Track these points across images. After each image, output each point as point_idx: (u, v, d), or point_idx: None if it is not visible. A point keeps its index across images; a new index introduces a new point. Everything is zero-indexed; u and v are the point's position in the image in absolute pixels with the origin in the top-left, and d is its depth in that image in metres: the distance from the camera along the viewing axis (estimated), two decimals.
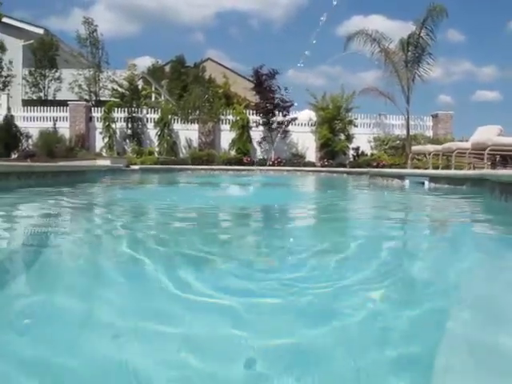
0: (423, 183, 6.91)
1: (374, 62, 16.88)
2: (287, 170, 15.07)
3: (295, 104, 18.30)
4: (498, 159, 11.43)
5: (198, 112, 17.85)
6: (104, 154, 17.21)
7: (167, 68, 26.32)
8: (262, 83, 17.63)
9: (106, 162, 11.82)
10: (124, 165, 12.37)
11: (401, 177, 7.97)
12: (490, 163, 12.33)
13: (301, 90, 17.53)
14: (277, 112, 17.98)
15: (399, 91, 16.92)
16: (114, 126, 18.24)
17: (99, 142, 18.31)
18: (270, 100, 17.72)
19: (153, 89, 21.23)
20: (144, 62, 25.48)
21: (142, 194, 6.57)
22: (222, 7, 45.31)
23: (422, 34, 16.30)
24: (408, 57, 16.68)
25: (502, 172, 5.10)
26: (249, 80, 24.60)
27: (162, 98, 21.50)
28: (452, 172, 7.98)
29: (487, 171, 6.33)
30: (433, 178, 6.84)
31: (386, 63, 16.74)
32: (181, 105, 17.99)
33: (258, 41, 40.23)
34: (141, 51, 30.84)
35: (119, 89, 19.03)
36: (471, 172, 7.50)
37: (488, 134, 11.60)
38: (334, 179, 11.64)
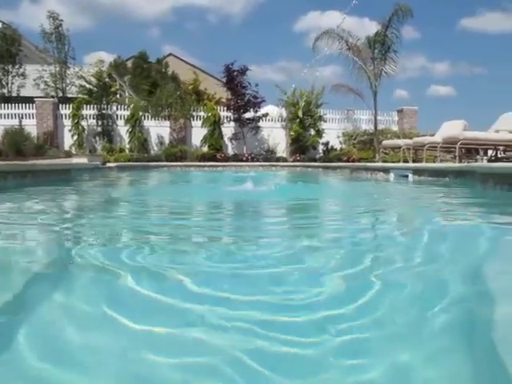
0: (407, 176, 7.26)
1: (336, 58, 17.36)
2: (262, 166, 15.28)
3: (264, 100, 18.55)
4: (463, 152, 12.01)
5: (169, 109, 17.77)
6: (74, 152, 16.89)
7: (129, 64, 26.06)
8: (234, 79, 17.74)
9: (83, 160, 11.67)
10: (100, 162, 12.23)
11: (385, 170, 8.32)
12: (454, 156, 13.01)
13: (263, 86, 17.81)
14: (248, 108, 18.13)
15: (366, 87, 17.47)
16: (83, 123, 17.91)
17: (68, 139, 17.94)
18: (241, 96, 17.86)
19: (117, 85, 20.95)
20: (99, 58, 25.00)
21: (166, 192, 6.54)
22: (178, 2, 44.77)
23: (387, 33, 16.83)
24: (375, 54, 17.19)
25: (489, 165, 5.47)
26: (211, 75, 24.69)
27: (126, 94, 21.28)
28: (436, 165, 8.39)
29: (474, 164, 6.73)
30: (416, 171, 7.20)
31: (354, 60, 17.19)
32: (152, 101, 17.86)
33: (216, 36, 40.16)
34: (95, 46, 30.09)
35: (87, 85, 18.70)
36: (456, 165, 7.92)
37: (454, 128, 12.22)
38: (318, 174, 11.91)
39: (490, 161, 11.33)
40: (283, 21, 40.69)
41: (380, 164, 11.27)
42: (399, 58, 17.58)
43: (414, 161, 12.31)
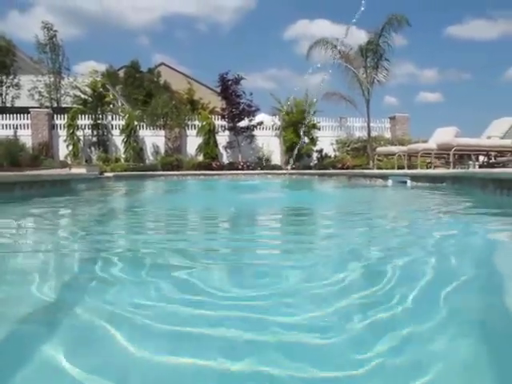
0: (405, 182, 7.41)
1: (326, 66, 17.62)
2: (258, 174, 15.40)
3: (259, 109, 18.74)
4: (456, 157, 12.20)
5: (164, 118, 17.87)
6: (69, 162, 16.91)
7: (120, 73, 26.11)
8: (228, 88, 17.90)
9: (82, 170, 11.71)
10: (98, 172, 12.29)
11: (383, 177, 8.48)
12: (444, 162, 13.23)
13: (253, 94, 17.86)
14: (242, 117, 18.27)
15: (358, 95, 17.72)
16: (78, 133, 17.96)
17: (63, 149, 17.97)
18: (235, 105, 18.01)
19: (110, 95, 21.01)
20: (93, 68, 24.98)
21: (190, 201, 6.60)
22: (167, 11, 44.92)
23: (379, 42, 17.11)
24: (367, 62, 17.45)
25: (489, 171, 5.62)
26: (202, 84, 24.82)
27: (119, 103, 21.35)
28: (435, 171, 8.56)
29: (473, 170, 6.89)
30: (414, 178, 7.37)
31: (347, 68, 17.43)
32: (148, 111, 17.95)
33: (205, 44, 40.35)
34: (84, 56, 29.76)
35: (82, 95, 18.76)
36: (454, 171, 8.08)
37: (447, 135, 12.45)
38: (318, 181, 12.05)
39: (481, 166, 11.55)
40: (272, 29, 41.08)
41: (378, 171, 11.43)
42: (391, 66, 17.89)
43: (408, 167, 12.50)
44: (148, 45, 38.52)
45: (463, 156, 12.31)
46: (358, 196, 6.84)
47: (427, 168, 12.73)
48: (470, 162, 12.57)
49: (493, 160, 11.58)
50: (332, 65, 17.07)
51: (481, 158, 12.39)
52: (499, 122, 11.90)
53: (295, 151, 15.78)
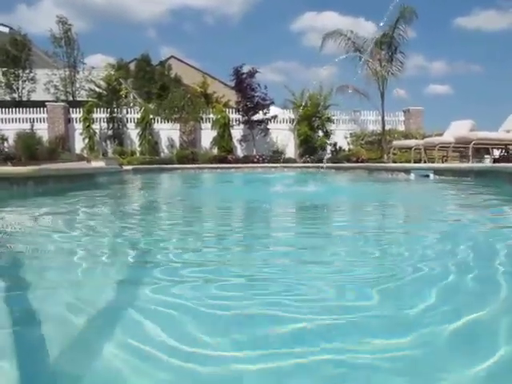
0: (428, 176, 7.47)
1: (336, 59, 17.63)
2: (274, 167, 15.47)
3: (274, 102, 18.78)
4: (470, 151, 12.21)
5: (180, 112, 17.98)
6: (85, 155, 17.10)
7: (131, 66, 26.18)
8: (243, 82, 17.95)
9: (101, 164, 11.85)
10: (117, 165, 12.42)
11: (406, 171, 8.54)
12: (459, 155, 13.23)
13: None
14: (257, 110, 18.33)
15: (372, 88, 17.68)
16: (94, 126, 18.13)
17: (79, 143, 18.16)
18: (250, 98, 18.07)
19: (123, 88, 21.11)
20: (96, 60, 25.04)
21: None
22: (175, 3, 44.80)
23: (394, 34, 17.06)
24: (382, 55, 17.41)
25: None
26: (212, 77, 24.84)
27: (131, 96, 21.46)
28: (459, 165, 8.60)
29: (498, 164, 6.92)
30: (437, 171, 7.42)
31: (361, 61, 17.40)
32: (164, 104, 18.06)
33: (213, 37, 40.29)
34: (92, 49, 29.55)
35: (97, 89, 18.90)
36: (480, 165, 8.12)
37: (463, 128, 12.45)
38: (341, 174, 12.07)
39: (496, 160, 11.55)
40: (280, 21, 40.98)
41: (401, 164, 11.47)
42: (405, 58, 17.84)
43: (424, 161, 12.51)
44: (155, 38, 38.57)
45: (479, 150, 12.30)
46: (395, 190, 6.86)
47: (442, 161, 12.75)
48: (487, 156, 12.59)
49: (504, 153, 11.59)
50: (346, 58, 17.05)
51: (495, 152, 12.39)
52: None
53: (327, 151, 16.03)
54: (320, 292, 1.47)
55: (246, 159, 17.47)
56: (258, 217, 3.74)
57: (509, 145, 11.20)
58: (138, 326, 1.17)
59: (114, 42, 38.44)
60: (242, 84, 18.03)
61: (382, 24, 16.33)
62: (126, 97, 19.78)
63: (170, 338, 1.07)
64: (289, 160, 17.85)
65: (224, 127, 18.29)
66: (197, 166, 15.63)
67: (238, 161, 17.18)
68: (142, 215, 3.85)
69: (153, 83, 22.47)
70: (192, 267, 1.80)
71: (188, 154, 17.00)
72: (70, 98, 19.94)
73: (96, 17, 38.95)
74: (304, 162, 17.39)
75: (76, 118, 18.48)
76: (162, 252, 2.16)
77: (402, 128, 19.60)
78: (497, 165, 7.06)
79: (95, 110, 18.33)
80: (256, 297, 1.42)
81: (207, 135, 18.76)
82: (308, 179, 8.32)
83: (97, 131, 18.28)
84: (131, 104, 19.55)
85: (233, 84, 18.58)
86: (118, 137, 18.36)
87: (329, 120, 18.87)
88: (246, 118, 18.36)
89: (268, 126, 18.82)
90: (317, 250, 2.22)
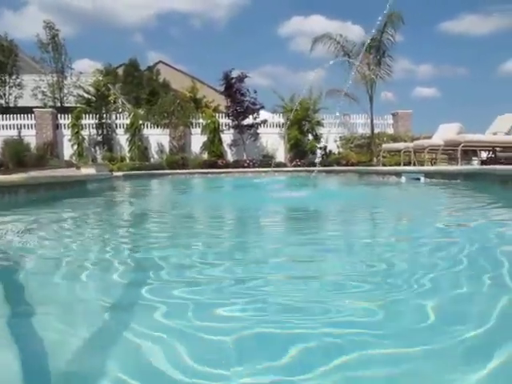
0: (418, 179, 7.54)
1: (325, 63, 17.73)
2: (264, 172, 15.50)
3: (264, 106, 18.82)
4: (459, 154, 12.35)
5: (170, 117, 17.95)
6: (74, 162, 16.98)
7: (119, 71, 26.04)
8: (232, 86, 17.97)
9: (91, 170, 11.77)
10: (107, 172, 12.36)
11: (397, 174, 8.61)
12: (448, 157, 13.38)
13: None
14: (247, 115, 18.35)
15: (362, 91, 17.80)
16: (83, 132, 18.02)
17: (68, 149, 18.02)
18: (240, 103, 18.09)
19: (111, 94, 21.01)
20: (83, 65, 24.82)
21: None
22: (161, 8, 44.55)
23: (382, 38, 17.21)
24: (370, 59, 17.55)
25: (506, 167, 5.74)
26: (201, 82, 24.84)
27: (120, 102, 21.38)
28: (449, 168, 8.68)
29: (488, 167, 7.00)
30: (427, 174, 7.49)
31: (350, 65, 17.52)
32: (154, 110, 18.03)
33: (200, 41, 40.23)
34: (79, 54, 29.05)
35: (85, 95, 18.81)
36: (469, 167, 8.21)
37: (451, 131, 12.60)
38: (333, 178, 12.15)
39: (484, 162, 11.69)
40: (267, 25, 41.13)
41: (393, 167, 11.55)
42: (393, 62, 18.00)
43: (414, 163, 12.62)
44: (142, 42, 38.38)
45: (467, 152, 12.44)
46: (389, 193, 6.91)
47: (431, 164, 12.88)
48: (475, 158, 12.74)
49: (500, 154, 11.73)
50: (335, 61, 17.16)
51: (483, 154, 12.54)
52: (503, 118, 12.02)
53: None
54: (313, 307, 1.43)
55: (237, 164, 17.48)
56: (250, 228, 3.63)
57: (496, 147, 11.34)
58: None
59: (101, 46, 38.18)
60: (232, 89, 18.05)
61: (373, 31, 16.48)
62: (114, 102, 19.70)
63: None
64: (279, 164, 17.89)
65: (214, 132, 18.29)
66: (187, 171, 15.60)
67: (228, 165, 17.18)
68: (135, 225, 3.79)
69: (141, 88, 22.43)
70: (178, 284, 1.70)
71: (178, 160, 16.96)
72: (58, 104, 19.80)
73: (82, 21, 38.62)
74: (294, 166, 17.44)
75: (64, 124, 18.35)
76: (146, 266, 2.08)
77: (390, 131, 19.73)
78: (485, 167, 7.16)
79: (84, 115, 18.23)
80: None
81: (197, 140, 18.74)
82: (300, 184, 8.36)
83: (86, 137, 18.16)
84: (120, 110, 19.49)
85: (222, 89, 18.60)
86: (108, 143, 18.27)
87: (318, 124, 18.96)
88: (236, 122, 18.38)
89: (258, 131, 18.86)
90: (310, 262, 2.14)
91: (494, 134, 11.40)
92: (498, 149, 11.51)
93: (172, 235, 3.12)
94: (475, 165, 11.56)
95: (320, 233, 3.17)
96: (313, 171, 13.07)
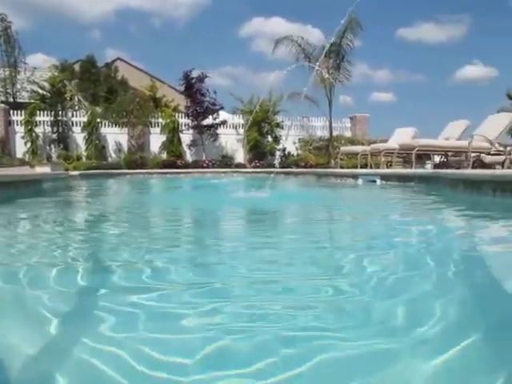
0: (375, 181, 7.76)
1: (286, 64, 17.91)
2: (224, 172, 15.51)
3: (223, 107, 18.83)
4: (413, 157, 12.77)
5: (128, 116, 17.65)
6: (27, 160, 16.43)
7: (75, 67, 25.32)
8: (192, 86, 17.88)
9: (46, 169, 11.45)
10: (63, 171, 12.04)
11: (354, 176, 8.82)
12: (403, 161, 13.81)
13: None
14: (206, 115, 18.30)
15: (321, 94, 18.10)
16: (37, 130, 17.45)
17: (21, 147, 17.39)
18: (200, 103, 18.02)
19: (68, 91, 20.44)
20: (37, 60, 23.95)
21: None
22: (120, 4, 43.45)
23: (342, 43, 17.54)
24: (330, 63, 17.87)
25: (457, 171, 6.00)
26: (161, 81, 24.55)
27: (76, 99, 20.85)
28: (405, 171, 8.95)
29: (441, 170, 7.27)
30: (383, 177, 7.72)
31: (310, 68, 17.76)
32: (112, 108, 17.67)
33: (159, 40, 39.62)
34: (32, 48, 27.80)
35: (40, 91, 18.24)
36: (423, 170, 8.50)
37: (406, 135, 13.03)
38: (289, 180, 12.26)
39: (437, 166, 12.15)
40: (228, 26, 40.96)
41: (350, 170, 11.80)
42: (351, 67, 18.38)
43: (370, 166, 12.95)
44: (100, 39, 37.33)
45: (421, 156, 12.89)
46: (345, 195, 7.05)
47: (387, 167, 13.26)
48: (428, 162, 13.21)
49: (451, 159, 12.22)
50: (296, 65, 17.35)
51: (436, 158, 13.03)
52: (455, 124, 12.52)
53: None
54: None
55: (196, 164, 17.40)
56: (207, 230, 3.55)
57: (448, 151, 11.81)
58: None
59: (56, 41, 36.79)
60: (192, 89, 17.96)
61: (333, 36, 16.75)
62: (71, 99, 19.19)
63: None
64: (238, 165, 17.95)
65: (173, 132, 18.14)
66: (146, 171, 15.41)
67: (187, 166, 17.07)
68: (89, 227, 3.70)
69: (98, 85, 21.92)
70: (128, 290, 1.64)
71: (137, 159, 16.72)
72: (11, 100, 19.09)
73: (35, 14, 37.06)
74: (254, 167, 17.53)
75: (17, 121, 17.72)
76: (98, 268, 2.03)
77: (348, 134, 20.15)
78: (438, 171, 7.44)
79: (38, 112, 17.66)
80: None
81: (156, 140, 18.52)
82: (259, 185, 8.42)
83: (40, 135, 17.60)
84: (76, 107, 19.01)
85: (182, 88, 18.47)
86: (63, 141, 17.77)
87: (278, 126, 19.13)
88: (196, 122, 18.29)
89: (217, 131, 18.84)
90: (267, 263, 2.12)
91: (447, 139, 11.85)
92: (449, 153, 12.00)
93: (126, 238, 3.01)
94: (428, 168, 11.97)
95: (277, 235, 3.19)
96: (272, 172, 13.17)
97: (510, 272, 1.87)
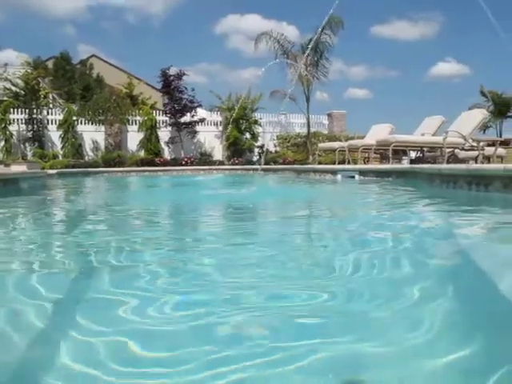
0: (353, 177, 7.89)
1: (262, 61, 17.95)
2: (203, 170, 15.50)
3: (201, 104, 18.81)
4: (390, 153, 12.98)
5: (105, 113, 17.46)
6: (1, 159, 16.10)
7: (49, 64, 24.83)
8: (170, 84, 17.79)
9: (22, 168, 11.26)
10: (39, 169, 11.87)
11: (333, 172, 8.94)
12: (380, 157, 14.03)
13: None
14: (185, 112, 18.23)
15: (299, 91, 18.20)
16: (11, 128, 17.11)
17: None
18: (178, 101, 17.96)
19: (41, 88, 20.08)
20: (8, 55, 23.34)
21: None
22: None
23: (320, 41, 17.65)
24: (308, 60, 17.97)
25: (431, 166, 6.15)
26: (137, 78, 24.33)
27: (51, 97, 20.50)
28: (383, 166, 9.11)
29: (416, 166, 7.44)
30: (362, 172, 7.87)
31: (288, 65, 17.87)
32: (89, 106, 17.45)
33: (134, 37, 39.12)
34: (3, 43, 26.68)
35: (13, 88, 17.89)
36: (400, 166, 8.66)
37: (383, 131, 13.23)
38: (271, 177, 12.29)
39: (413, 161, 12.39)
40: (203, 22, 40.71)
41: (329, 166, 11.94)
42: (330, 64, 18.52)
43: (348, 162, 13.12)
44: (73, 35, 36.51)
45: (398, 151, 13.11)
46: (328, 190, 7.12)
47: (364, 162, 13.46)
48: (404, 157, 13.45)
49: (426, 154, 12.46)
50: (274, 62, 17.41)
51: (412, 154, 13.27)
52: (430, 120, 12.76)
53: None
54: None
55: (175, 162, 17.33)
56: (187, 227, 3.51)
57: (423, 147, 12.04)
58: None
59: (28, 37, 35.86)
60: (170, 86, 17.87)
61: (314, 33, 16.79)
62: (45, 97, 18.86)
63: None
64: (217, 162, 17.95)
65: (151, 129, 18.02)
66: (124, 169, 15.29)
67: (166, 163, 16.99)
68: (69, 225, 3.67)
69: (73, 83, 21.60)
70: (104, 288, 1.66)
71: (114, 157, 16.56)
72: None
73: (3, 7, 35.94)
74: (232, 164, 17.56)
75: None
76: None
77: (325, 131, 20.35)
78: (415, 166, 7.63)
79: (12, 110, 17.33)
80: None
81: (134, 137, 18.37)
82: (240, 181, 8.48)
83: (14, 133, 17.27)
84: (51, 105, 18.70)
85: (160, 86, 18.37)
86: (38, 139, 17.48)
87: (256, 123, 19.19)
88: (174, 120, 18.22)
89: (196, 129, 18.80)
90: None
91: (422, 134, 12.06)
92: (425, 149, 12.24)
93: (104, 236, 3.00)
94: (405, 163, 12.19)
95: (258, 232, 3.22)
96: (251, 169, 13.26)
97: (481, 258, 1.97)
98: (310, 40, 17.37)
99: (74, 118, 17.53)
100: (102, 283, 1.69)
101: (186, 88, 18.07)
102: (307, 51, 15.43)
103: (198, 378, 0.95)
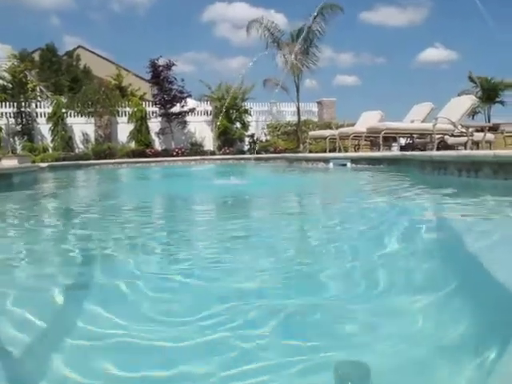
0: (345, 164, 7.97)
1: (253, 49, 17.85)
2: (194, 160, 15.51)
3: (191, 95, 18.74)
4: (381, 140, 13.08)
5: (94, 105, 17.35)
6: None
7: (35, 56, 24.47)
8: (160, 74, 17.70)
9: (13, 162, 11.18)
10: (30, 163, 11.81)
11: (325, 160, 9.01)
12: (370, 144, 14.12)
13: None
14: (174, 103, 18.17)
15: (289, 80, 18.17)
16: None
17: None
18: (167, 91, 17.88)
19: (29, 81, 19.86)
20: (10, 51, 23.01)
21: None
22: None
23: (312, 28, 17.57)
24: (298, 48, 17.91)
25: (422, 153, 6.25)
26: (125, 69, 24.14)
27: (38, 89, 20.30)
28: (374, 154, 9.18)
29: (408, 153, 7.53)
30: (353, 160, 7.95)
31: (279, 53, 17.80)
32: (78, 98, 17.32)
33: (120, 26, 38.45)
34: None
35: (0, 81, 17.70)
36: (392, 153, 8.75)
37: (372, 118, 13.29)
38: (263, 166, 12.35)
39: (403, 148, 12.49)
40: (190, 11, 40.09)
41: (321, 154, 12.00)
42: (320, 52, 18.46)
43: (339, 150, 13.19)
44: (59, 26, 35.86)
45: (388, 138, 13.19)
46: (326, 178, 7.19)
47: (355, 150, 13.54)
48: (394, 144, 13.54)
49: (416, 141, 12.56)
50: (267, 51, 17.34)
51: (402, 141, 13.37)
52: (420, 107, 12.85)
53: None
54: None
55: (166, 152, 17.31)
56: (183, 218, 3.65)
57: (413, 134, 12.14)
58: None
59: (11, 28, 35.13)
60: (159, 77, 17.78)
61: (309, 21, 16.64)
62: (33, 90, 18.69)
63: None
64: (208, 152, 17.95)
65: (141, 120, 17.95)
66: (116, 160, 15.25)
67: (157, 154, 16.96)
68: (66, 220, 3.73)
69: (61, 75, 21.39)
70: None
71: (105, 149, 16.49)
72: None
73: None
74: (223, 154, 17.57)
75: None
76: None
77: (316, 119, 20.37)
78: (406, 153, 7.71)
79: (0, 104, 17.16)
80: None
81: (124, 129, 18.29)
82: (233, 171, 8.51)
83: (3, 127, 17.12)
84: (39, 97, 18.53)
85: (149, 76, 18.27)
86: (28, 133, 17.35)
87: (246, 112, 19.17)
88: (164, 110, 18.16)
89: (186, 119, 18.75)
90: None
91: (412, 121, 12.15)
92: (415, 135, 12.34)
93: (101, 228, 3.09)
94: (395, 151, 12.29)
95: (253, 221, 3.30)
96: (243, 159, 13.29)
97: (467, 237, 2.14)
98: (301, 29, 17.32)
99: (64, 110, 17.40)
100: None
101: (175, 78, 18.00)
102: (299, 40, 15.31)
103: None
